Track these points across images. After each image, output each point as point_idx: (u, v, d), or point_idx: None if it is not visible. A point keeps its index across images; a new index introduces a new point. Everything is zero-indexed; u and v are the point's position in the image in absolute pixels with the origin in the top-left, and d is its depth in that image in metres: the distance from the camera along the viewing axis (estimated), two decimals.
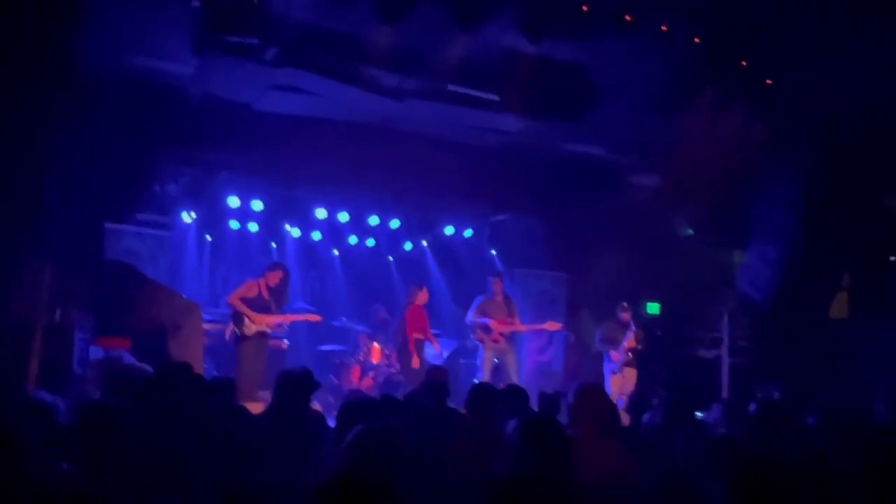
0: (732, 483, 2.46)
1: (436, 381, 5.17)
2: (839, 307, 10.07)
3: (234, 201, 9.95)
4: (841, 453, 3.80)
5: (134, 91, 7.76)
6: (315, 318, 8.93)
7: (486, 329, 9.28)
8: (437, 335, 9.76)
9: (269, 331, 8.08)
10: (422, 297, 9.40)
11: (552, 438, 3.06)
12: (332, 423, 4.16)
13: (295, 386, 4.22)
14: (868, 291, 10.19)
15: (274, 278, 8.17)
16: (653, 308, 10.59)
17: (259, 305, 7.99)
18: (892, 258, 10.65)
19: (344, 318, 11.06)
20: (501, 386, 6.21)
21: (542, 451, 3.00)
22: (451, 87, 7.65)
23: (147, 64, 7.59)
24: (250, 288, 8.07)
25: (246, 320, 7.87)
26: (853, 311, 10.26)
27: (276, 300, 8.14)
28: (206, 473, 2.97)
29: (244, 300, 7.93)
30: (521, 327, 9.81)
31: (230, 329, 8.14)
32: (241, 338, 7.87)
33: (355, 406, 3.95)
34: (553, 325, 9.75)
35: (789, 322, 9.00)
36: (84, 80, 6.54)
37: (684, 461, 3.62)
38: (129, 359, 6.85)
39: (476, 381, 8.60)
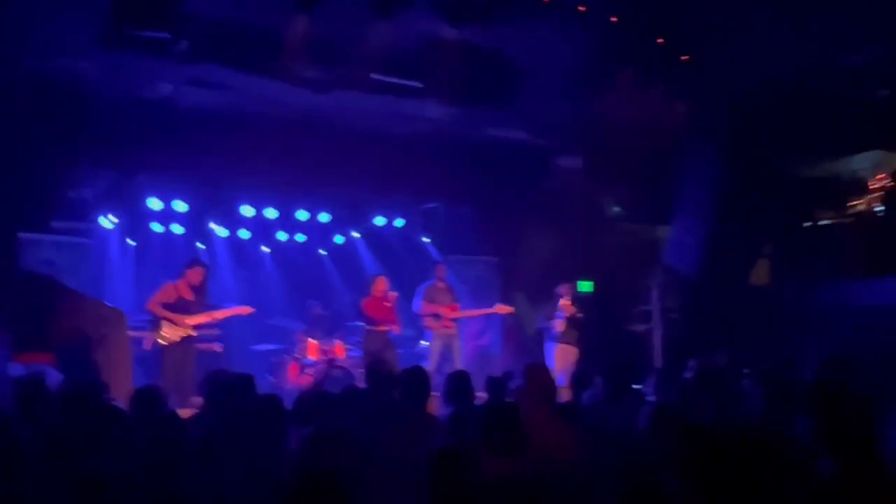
0: (670, 448, 2.51)
1: (377, 371, 5.14)
2: (761, 274, 10.47)
3: (155, 203, 9.63)
4: (777, 414, 3.93)
5: (41, 92, 7.42)
6: (246, 310, 8.60)
7: (437, 316, 9.26)
8: None
9: (195, 334, 7.74)
10: (376, 287, 9.16)
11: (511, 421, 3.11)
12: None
13: (226, 389, 4.12)
14: (787, 257, 10.63)
15: (195, 276, 7.78)
16: (585, 286, 10.77)
17: (182, 307, 7.63)
18: (807, 224, 11.14)
19: (278, 317, 10.87)
20: (447, 371, 6.22)
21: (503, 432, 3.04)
22: (373, 76, 7.55)
23: (53, 63, 7.26)
24: (167, 292, 7.66)
25: (165, 326, 7.52)
26: (774, 277, 10.69)
27: (200, 299, 7.83)
28: (133, 488, 2.86)
29: (165, 305, 7.60)
30: (471, 312, 9.85)
31: (150, 338, 7.77)
32: (163, 346, 7.54)
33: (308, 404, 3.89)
34: (503, 308, 9.79)
35: (715, 292, 9.29)
36: None
37: (623, 432, 3.68)
38: (53, 374, 6.57)
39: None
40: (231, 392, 4.15)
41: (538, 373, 4.07)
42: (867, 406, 2.85)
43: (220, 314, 8.30)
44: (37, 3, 6.11)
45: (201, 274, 7.83)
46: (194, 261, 8.07)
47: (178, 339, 7.54)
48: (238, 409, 4.05)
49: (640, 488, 2.27)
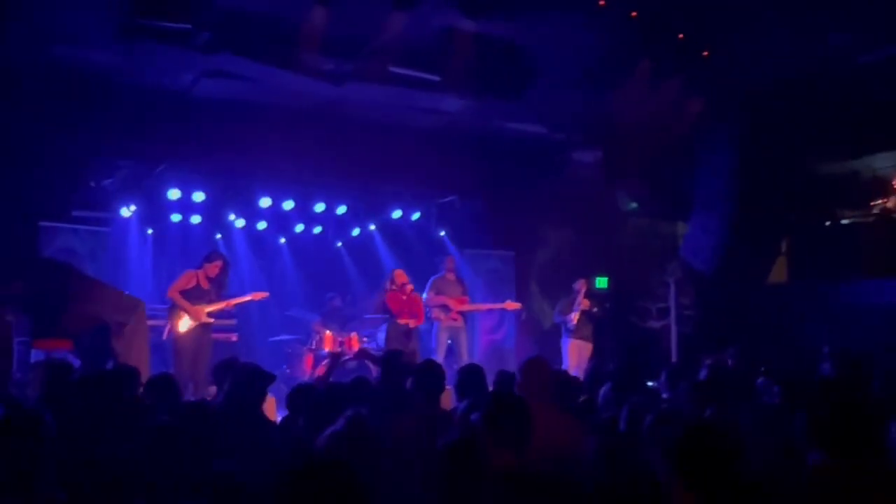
0: (669, 450, 2.51)
1: (392, 362, 5.16)
2: (778, 272, 10.38)
3: (174, 193, 9.71)
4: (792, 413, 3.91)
5: (62, 83, 7.51)
6: (261, 295, 8.69)
7: (446, 308, 9.28)
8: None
9: (210, 322, 7.86)
10: (395, 280, 9.14)
11: (516, 414, 3.11)
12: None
13: (245, 381, 4.16)
14: (806, 255, 10.53)
15: (213, 269, 7.92)
16: (601, 282, 10.74)
17: (198, 296, 7.77)
18: (828, 223, 11.02)
19: (294, 308, 10.95)
20: (455, 366, 6.23)
21: (508, 427, 3.04)
22: (391, 69, 7.57)
23: (74, 53, 7.33)
24: (189, 279, 7.83)
25: (183, 315, 7.66)
26: (792, 276, 10.59)
27: (216, 290, 7.95)
28: (151, 472, 2.90)
29: (183, 292, 7.73)
30: (480, 306, 9.86)
31: (168, 325, 7.89)
32: (179, 333, 7.67)
33: (303, 393, 3.92)
34: (512, 305, 9.81)
35: (732, 289, 9.22)
36: (7, 72, 6.28)
37: (628, 431, 3.67)
38: (73, 360, 6.67)
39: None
40: (242, 381, 4.18)
41: (536, 368, 4.07)
42: (867, 400, 2.84)
43: (235, 301, 8.39)
44: None
45: (218, 267, 7.96)
46: (214, 254, 8.16)
47: (192, 328, 7.66)
48: (247, 399, 4.09)
49: (641, 486, 2.28)
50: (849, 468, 2.65)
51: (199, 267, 7.95)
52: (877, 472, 2.65)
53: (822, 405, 2.80)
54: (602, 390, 5.17)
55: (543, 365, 4.18)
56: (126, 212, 9.75)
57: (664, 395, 5.27)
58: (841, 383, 4.55)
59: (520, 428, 3.05)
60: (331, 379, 6.03)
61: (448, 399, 5.21)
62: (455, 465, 2.71)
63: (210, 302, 7.83)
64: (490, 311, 10.34)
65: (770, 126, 8.85)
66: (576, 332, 9.34)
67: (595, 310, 9.36)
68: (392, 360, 5.25)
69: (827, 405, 2.79)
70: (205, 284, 7.85)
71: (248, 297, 8.61)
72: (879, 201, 11.33)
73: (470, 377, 4.86)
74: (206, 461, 3.14)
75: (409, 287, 9.05)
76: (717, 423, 2.79)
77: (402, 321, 8.87)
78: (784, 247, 10.53)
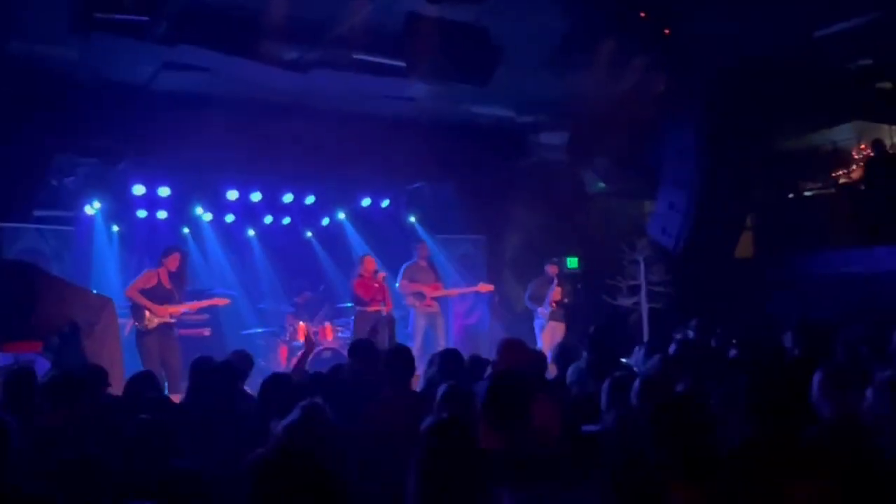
0: (652, 420, 2.56)
1: (359, 348, 5.16)
2: (744, 247, 10.56)
3: (139, 189, 9.57)
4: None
5: (18, 79, 7.33)
6: (223, 301, 8.70)
7: (420, 295, 9.30)
8: None
9: (172, 321, 7.82)
10: (364, 267, 9.16)
11: (518, 394, 3.13)
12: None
13: (210, 374, 4.14)
14: (771, 229, 10.73)
15: (173, 262, 7.88)
16: (572, 262, 10.85)
17: (161, 295, 7.72)
18: (791, 196, 11.23)
19: (266, 300, 10.89)
20: (432, 352, 6.24)
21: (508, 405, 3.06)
22: (355, 56, 7.50)
23: (30, 49, 7.16)
24: (149, 278, 7.77)
25: (147, 313, 7.61)
26: (759, 249, 10.78)
27: (178, 286, 7.90)
28: (125, 468, 2.88)
29: (144, 291, 7.66)
30: (453, 291, 9.90)
31: (129, 323, 7.84)
32: (141, 332, 7.62)
33: (274, 384, 3.92)
34: (485, 287, 9.87)
35: (701, 264, 9.36)
36: None
37: (609, 405, 3.73)
38: (42, 362, 6.57)
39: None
40: (214, 378, 4.17)
41: (514, 349, 4.09)
42: (796, 372, 2.91)
43: (198, 304, 8.36)
44: None
45: (178, 259, 7.91)
46: (171, 247, 8.09)
47: (154, 326, 7.60)
48: (220, 394, 4.08)
49: (628, 463, 2.32)
50: (767, 444, 2.69)
51: (158, 265, 7.89)
52: (792, 447, 2.69)
53: (755, 381, 2.84)
54: (570, 368, 5.24)
55: (520, 345, 4.21)
56: (90, 209, 9.59)
57: (637, 370, 5.35)
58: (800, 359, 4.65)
59: (520, 410, 3.07)
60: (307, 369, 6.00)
61: (415, 384, 5.23)
62: (441, 444, 2.70)
63: (174, 300, 7.79)
64: (463, 295, 10.38)
65: (732, 103, 8.96)
66: (549, 315, 9.45)
67: (566, 300, 9.48)
68: (358, 349, 5.23)
69: (755, 380, 2.84)
70: (167, 283, 7.80)
71: (210, 302, 8.59)
72: (841, 172, 11.58)
73: (448, 361, 4.90)
74: (175, 458, 3.13)
75: (382, 274, 9.05)
76: (690, 396, 2.84)
77: (371, 309, 8.88)
78: (749, 221, 10.71)
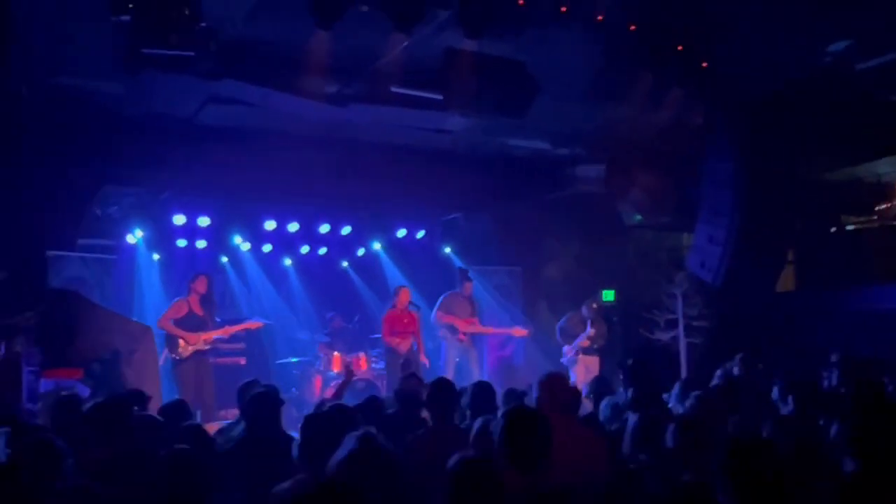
0: (694, 467, 2.50)
1: (406, 389, 5.13)
2: (786, 281, 10.36)
3: (179, 219, 9.75)
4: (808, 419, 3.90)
5: (68, 113, 7.56)
6: (256, 325, 8.77)
7: (453, 329, 9.28)
8: None
9: (206, 348, 7.89)
10: (399, 299, 9.24)
11: (534, 430, 3.07)
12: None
13: (261, 404, 4.14)
14: (813, 263, 10.51)
15: (201, 286, 8.00)
16: (608, 295, 10.72)
17: (193, 323, 7.82)
18: (833, 230, 11.01)
19: (302, 330, 10.95)
20: (465, 384, 6.19)
21: (524, 442, 3.00)
22: (393, 89, 7.60)
23: (79, 84, 7.39)
24: (179, 307, 7.89)
25: (181, 342, 7.70)
26: (800, 284, 10.56)
27: (209, 312, 7.99)
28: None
29: (176, 321, 7.76)
30: (488, 329, 9.86)
31: (164, 354, 7.93)
32: (177, 361, 7.70)
33: (323, 419, 3.89)
34: (520, 332, 9.82)
35: (741, 298, 9.19)
36: (13, 104, 6.32)
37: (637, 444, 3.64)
38: (83, 389, 6.67)
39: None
40: (262, 404, 4.17)
41: (556, 383, 4.03)
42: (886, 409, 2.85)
43: (232, 329, 8.43)
44: (63, 24, 6.22)
45: (205, 283, 8.03)
46: (196, 275, 8.22)
47: (189, 354, 7.68)
48: (269, 419, 4.07)
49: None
50: (883, 476, 2.64)
51: (188, 293, 8.00)
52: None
53: (859, 415, 2.80)
54: (603, 403, 5.15)
55: (562, 380, 4.15)
56: (132, 238, 9.78)
57: (672, 406, 5.25)
58: (864, 390, 4.53)
59: (539, 446, 3.00)
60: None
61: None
62: (465, 485, 2.65)
63: (206, 327, 7.87)
64: (490, 334, 10.34)
65: (772, 134, 8.85)
66: (575, 352, 9.35)
67: (596, 346, 9.35)
68: (402, 388, 5.20)
69: (863, 415, 2.80)
70: (198, 311, 7.89)
71: (243, 326, 8.67)
72: (884, 206, 11.33)
73: (481, 395, 4.85)
74: (214, 487, 3.13)
75: (411, 312, 9.10)
76: (741, 434, 2.78)
77: (390, 340, 8.93)
78: (791, 255, 10.51)
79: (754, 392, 5.37)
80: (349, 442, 2.91)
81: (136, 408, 4.55)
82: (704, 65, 7.68)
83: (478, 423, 3.88)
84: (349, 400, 5.94)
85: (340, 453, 2.90)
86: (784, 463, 2.52)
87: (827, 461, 3.10)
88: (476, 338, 9.77)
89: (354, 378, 9.41)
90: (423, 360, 9.35)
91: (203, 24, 5.69)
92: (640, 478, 2.94)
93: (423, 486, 3.49)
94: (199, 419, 7.05)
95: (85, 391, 6.63)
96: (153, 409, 5.12)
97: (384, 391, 8.70)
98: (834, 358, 5.82)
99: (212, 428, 5.50)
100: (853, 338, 8.25)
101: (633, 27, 7.14)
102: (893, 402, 4.32)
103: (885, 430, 2.73)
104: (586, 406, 5.51)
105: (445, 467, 2.86)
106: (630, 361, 5.01)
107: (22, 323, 6.80)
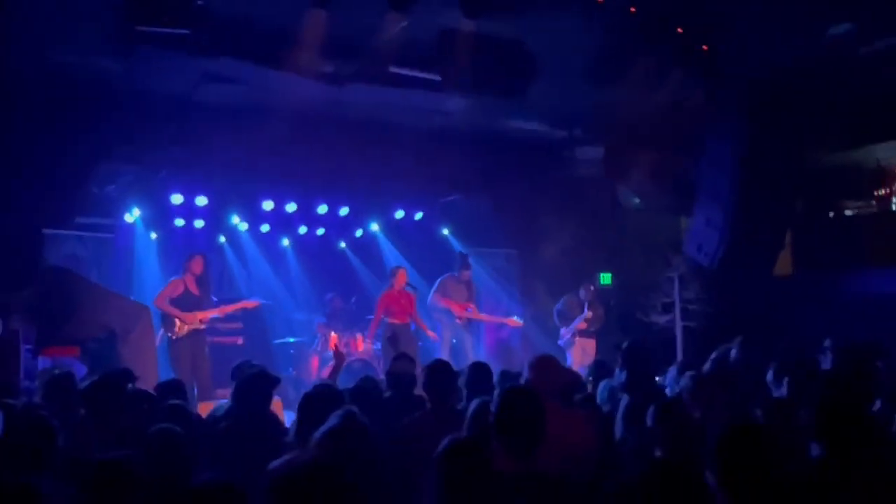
0: (670, 446, 2.52)
1: (398, 371, 5.14)
2: (783, 265, 10.36)
3: (177, 198, 9.73)
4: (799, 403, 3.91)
5: (63, 90, 7.52)
6: (252, 304, 8.80)
7: (448, 313, 9.33)
8: None
9: (202, 328, 7.92)
10: (396, 280, 9.26)
11: (529, 409, 3.07)
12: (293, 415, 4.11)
13: (251, 385, 4.16)
14: (811, 247, 10.50)
15: (196, 266, 8.02)
16: (605, 278, 10.74)
17: (189, 302, 7.84)
18: (832, 214, 11.00)
19: (299, 310, 10.97)
20: (461, 365, 6.21)
21: (518, 424, 3.01)
22: (391, 70, 7.55)
23: (74, 60, 7.33)
24: (175, 286, 7.91)
25: (177, 321, 7.72)
26: (797, 267, 10.57)
27: (205, 291, 8.01)
28: (152, 478, 2.90)
29: (172, 300, 7.78)
30: (483, 317, 9.89)
31: (160, 333, 7.96)
32: (172, 340, 7.72)
33: (316, 399, 3.90)
34: (514, 322, 9.85)
35: (737, 283, 9.20)
36: (7, 80, 6.29)
37: (627, 426, 3.66)
38: (79, 367, 6.69)
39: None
40: (253, 383, 4.19)
41: (547, 365, 4.03)
42: (866, 394, 2.87)
43: (227, 308, 8.46)
44: (58, 1, 6.17)
45: (201, 263, 8.04)
46: (192, 255, 8.23)
47: (185, 333, 7.70)
48: (258, 401, 4.09)
49: (650, 483, 2.27)
50: (848, 461, 2.65)
51: (183, 272, 8.01)
52: (873, 464, 2.65)
53: (825, 400, 2.81)
54: (601, 385, 5.18)
55: (553, 362, 4.15)
56: (129, 217, 9.77)
57: (668, 389, 5.27)
58: (843, 377, 4.54)
59: (533, 428, 3.01)
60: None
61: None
62: (457, 466, 2.66)
63: (202, 306, 7.89)
64: (496, 310, 10.37)
65: (772, 118, 8.82)
66: (572, 335, 9.39)
67: (593, 329, 9.37)
68: (394, 371, 5.21)
69: (829, 400, 2.81)
70: (195, 290, 7.91)
71: (239, 305, 8.69)
72: (883, 191, 11.31)
73: (478, 375, 4.86)
74: (201, 465, 3.15)
75: (407, 292, 9.13)
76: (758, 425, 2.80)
77: (392, 321, 8.96)
78: (788, 239, 10.50)
79: (751, 375, 5.39)
80: (332, 419, 2.94)
81: (129, 385, 4.57)
82: (705, 47, 7.64)
83: (474, 404, 3.90)
84: (345, 380, 5.99)
85: (322, 429, 2.93)
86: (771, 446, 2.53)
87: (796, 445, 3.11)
88: (473, 319, 9.80)
89: (351, 359, 9.46)
90: (432, 335, 9.41)
91: (198, 2, 5.63)
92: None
93: (421, 468, 3.52)
94: (195, 398, 7.10)
95: (82, 369, 6.66)
96: (149, 387, 5.13)
97: (380, 372, 8.73)
98: (827, 343, 5.82)
99: (207, 406, 5.54)
100: (849, 322, 8.26)
101: (633, 9, 7.09)
102: (859, 386, 4.32)
103: (848, 418, 2.73)
104: (587, 388, 5.54)
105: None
106: (624, 344, 5.01)
107: (18, 301, 6.81)
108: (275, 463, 2.65)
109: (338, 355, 5.62)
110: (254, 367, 4.79)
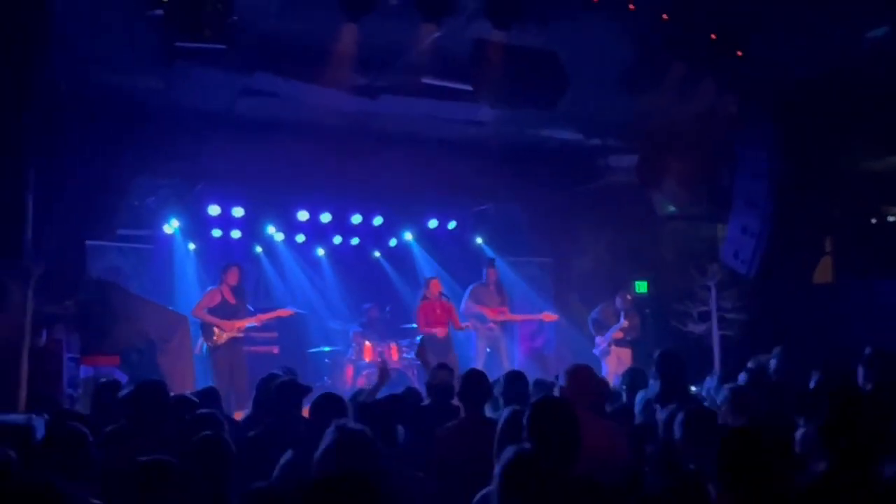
0: (715, 455, 2.48)
1: (437, 381, 5.16)
2: (823, 272, 10.16)
3: (214, 209, 9.90)
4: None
5: (105, 106, 7.73)
6: (287, 312, 8.93)
7: (482, 318, 9.31)
8: None
9: (240, 336, 8.06)
10: (430, 290, 9.30)
11: (563, 419, 3.08)
12: None
13: (278, 393, 4.21)
14: (852, 254, 10.28)
15: (232, 277, 8.20)
16: (641, 287, 10.64)
17: (227, 311, 8.01)
18: (873, 220, 10.76)
19: (334, 319, 11.07)
20: (496, 374, 6.22)
21: (552, 432, 3.01)
22: (424, 81, 7.61)
23: (116, 78, 7.54)
24: (213, 296, 8.09)
25: (216, 330, 7.87)
26: (837, 276, 10.35)
27: (241, 300, 8.16)
28: (191, 485, 2.96)
29: (210, 310, 7.94)
30: (516, 317, 9.86)
31: (199, 342, 8.12)
32: (212, 348, 7.87)
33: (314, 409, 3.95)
34: (549, 317, 9.80)
35: (775, 291, 9.05)
36: (52, 97, 6.47)
37: (667, 435, 3.63)
38: (120, 376, 6.84)
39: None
40: (279, 395, 4.25)
41: (581, 374, 4.02)
42: (875, 406, 2.80)
43: (264, 317, 8.59)
44: (99, 20, 6.35)
45: (236, 273, 8.21)
46: (227, 265, 8.41)
47: (224, 341, 7.85)
48: (284, 412, 4.14)
49: (681, 493, 2.25)
50: (848, 478, 2.59)
51: (220, 282, 8.18)
52: (874, 482, 2.59)
53: (831, 416, 2.74)
54: (638, 396, 5.13)
55: (588, 372, 4.14)
56: (168, 228, 9.97)
57: (708, 400, 5.21)
58: (869, 392, 4.45)
59: (566, 437, 3.01)
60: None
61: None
62: (520, 477, 2.67)
63: (239, 315, 8.04)
64: (520, 321, 10.33)
65: (809, 123, 8.66)
66: (608, 344, 9.31)
67: (629, 338, 9.30)
68: (436, 379, 5.24)
69: (831, 416, 2.74)
70: (231, 299, 8.06)
71: (274, 314, 8.81)
72: None
73: (513, 384, 4.87)
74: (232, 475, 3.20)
75: (443, 302, 9.13)
76: (759, 429, 2.75)
77: (427, 330, 8.96)
78: (829, 246, 10.30)
79: (791, 385, 5.30)
80: (326, 437, 2.96)
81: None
82: (739, 53, 7.55)
83: (505, 412, 3.91)
84: (382, 390, 6.03)
85: (319, 449, 2.95)
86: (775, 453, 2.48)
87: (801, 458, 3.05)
88: (506, 328, 9.79)
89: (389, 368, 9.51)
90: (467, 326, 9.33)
91: (235, 18, 5.75)
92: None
93: (457, 474, 3.53)
94: (232, 406, 7.21)
95: (122, 378, 6.81)
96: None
97: (415, 381, 8.77)
98: (868, 352, 5.69)
99: (242, 415, 5.61)
100: (893, 331, 8.07)
101: (665, 16, 7.05)
102: (866, 399, 4.22)
103: (851, 430, 2.66)
104: (622, 398, 5.51)
105: (477, 457, 2.88)
106: (657, 353, 4.97)
107: (62, 311, 6.99)
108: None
109: (383, 371, 5.60)
110: (281, 376, 4.85)
